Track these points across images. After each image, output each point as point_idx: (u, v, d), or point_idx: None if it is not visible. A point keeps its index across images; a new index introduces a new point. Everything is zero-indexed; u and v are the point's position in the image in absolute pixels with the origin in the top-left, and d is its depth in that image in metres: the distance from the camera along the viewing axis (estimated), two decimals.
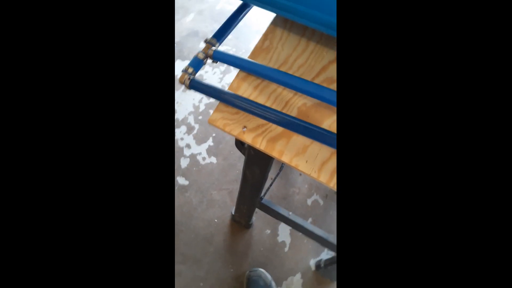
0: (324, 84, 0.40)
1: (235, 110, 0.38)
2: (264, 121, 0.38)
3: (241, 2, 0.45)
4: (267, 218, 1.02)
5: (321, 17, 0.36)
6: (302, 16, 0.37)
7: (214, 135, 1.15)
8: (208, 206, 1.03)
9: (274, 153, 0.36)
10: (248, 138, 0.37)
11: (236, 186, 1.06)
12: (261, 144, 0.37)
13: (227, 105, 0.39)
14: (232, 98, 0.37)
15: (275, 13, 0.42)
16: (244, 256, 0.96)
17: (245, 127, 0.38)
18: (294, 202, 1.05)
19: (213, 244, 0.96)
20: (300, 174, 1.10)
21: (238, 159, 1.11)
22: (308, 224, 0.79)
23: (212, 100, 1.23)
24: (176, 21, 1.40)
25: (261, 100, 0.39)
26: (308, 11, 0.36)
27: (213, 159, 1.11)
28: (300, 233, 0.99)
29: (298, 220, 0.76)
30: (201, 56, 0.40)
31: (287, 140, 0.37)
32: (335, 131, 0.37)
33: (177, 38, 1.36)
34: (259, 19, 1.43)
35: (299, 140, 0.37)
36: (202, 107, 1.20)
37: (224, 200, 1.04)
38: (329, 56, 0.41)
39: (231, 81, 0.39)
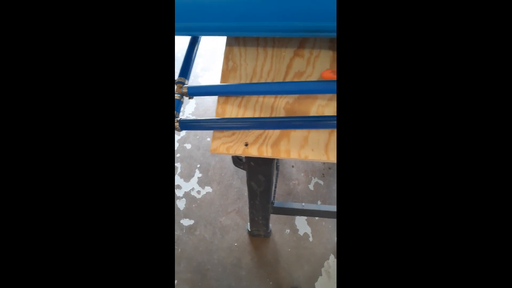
0: (295, 79, 0.43)
1: (230, 132, 0.40)
2: (260, 131, 0.40)
3: (189, 37, 0.47)
4: (281, 219, 1.04)
5: (269, 25, 0.40)
6: (253, 30, 0.40)
7: (198, 166, 1.14)
8: (222, 234, 1.01)
9: (282, 155, 0.39)
10: (253, 151, 0.39)
11: (241, 204, 1.06)
12: (267, 152, 0.39)
13: (221, 131, 0.40)
14: (224, 123, 0.39)
15: (228, 35, 0.45)
16: (276, 264, 0.96)
17: (246, 143, 0.40)
18: (298, 193, 1.08)
19: (243, 267, 0.95)
20: (293, 166, 1.14)
21: (232, 177, 1.11)
22: (320, 206, 0.83)
23: (182, 133, 1.21)
24: None
25: (249, 114, 0.41)
26: (256, 24, 0.39)
27: (208, 189, 1.10)
28: (317, 218, 1.03)
29: (312, 206, 0.80)
30: (177, 96, 0.41)
31: (287, 139, 0.40)
32: (323, 114, 0.41)
33: None
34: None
35: (297, 134, 0.40)
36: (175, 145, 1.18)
37: (235, 221, 1.03)
38: (288, 54, 0.45)
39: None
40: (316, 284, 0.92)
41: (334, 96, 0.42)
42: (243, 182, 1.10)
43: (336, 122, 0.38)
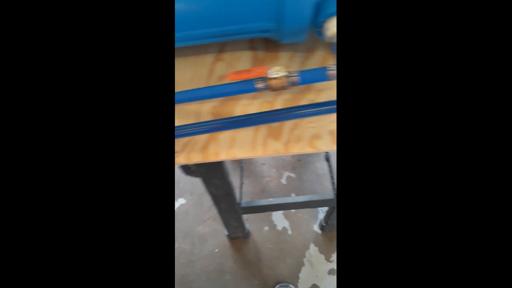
0: (219, 82, 0.45)
1: None
2: (187, 138, 0.41)
3: None
4: (258, 217, 1.05)
5: (187, 35, 0.41)
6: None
7: None
8: (202, 243, 1.01)
9: (211, 158, 0.40)
10: (182, 159, 0.40)
11: (216, 211, 1.07)
12: (196, 157, 0.40)
13: None
14: None
15: None
16: (259, 262, 0.97)
17: (176, 152, 0.40)
18: (272, 189, 1.10)
19: (227, 272, 0.95)
20: (263, 164, 1.16)
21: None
22: (292, 197, 0.85)
23: None
24: None
25: (176, 123, 0.42)
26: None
27: (182, 200, 1.09)
28: (293, 211, 1.05)
29: (280, 200, 0.81)
30: None
31: (215, 142, 0.41)
32: (246, 113, 0.42)
33: None
34: None
35: (224, 136, 0.41)
36: None
37: (213, 228, 1.04)
38: (208, 60, 0.46)
39: None
40: (300, 275, 0.94)
41: (257, 94, 0.43)
42: None
43: (258, 118, 0.39)
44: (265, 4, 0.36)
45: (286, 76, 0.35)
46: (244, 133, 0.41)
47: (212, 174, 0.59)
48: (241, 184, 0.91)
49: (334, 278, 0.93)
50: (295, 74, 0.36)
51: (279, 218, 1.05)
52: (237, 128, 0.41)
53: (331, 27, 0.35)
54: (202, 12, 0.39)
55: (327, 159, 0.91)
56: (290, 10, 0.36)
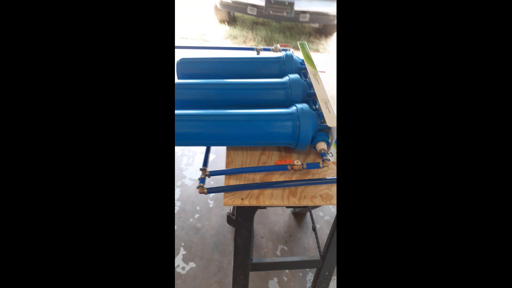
0: (261, 165, 0.84)
1: (231, 193, 0.75)
2: (248, 191, 0.76)
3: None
4: (256, 285, 1.21)
5: (244, 142, 0.83)
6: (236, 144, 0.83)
7: (183, 244, 1.31)
8: None
9: (261, 203, 0.74)
10: (246, 202, 0.74)
11: (221, 275, 1.21)
12: (253, 202, 0.74)
13: (228, 192, 0.75)
14: (231, 189, 0.75)
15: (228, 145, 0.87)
16: None
17: (242, 198, 0.74)
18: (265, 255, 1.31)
19: None
20: (262, 237, 1.41)
21: (212, 251, 1.30)
22: (291, 257, 1.07)
23: None
24: None
25: (242, 182, 0.78)
26: (237, 142, 0.82)
27: (192, 264, 1.24)
28: (286, 279, 1.23)
29: (280, 259, 1.05)
30: (203, 175, 0.77)
31: (263, 194, 0.76)
32: (279, 180, 0.80)
33: None
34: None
35: (267, 192, 0.77)
36: None
37: None
38: (257, 153, 0.88)
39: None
40: None
41: (284, 172, 0.83)
42: (222, 255, 1.29)
43: (284, 184, 0.77)
44: (289, 136, 0.82)
45: (301, 165, 0.76)
46: (277, 192, 0.78)
47: (244, 224, 0.89)
48: (252, 244, 1.14)
49: None
50: (303, 164, 0.77)
51: (274, 286, 1.22)
52: (273, 188, 0.78)
53: (318, 146, 0.80)
54: (258, 134, 0.83)
55: (314, 228, 1.22)
56: (301, 139, 0.82)
